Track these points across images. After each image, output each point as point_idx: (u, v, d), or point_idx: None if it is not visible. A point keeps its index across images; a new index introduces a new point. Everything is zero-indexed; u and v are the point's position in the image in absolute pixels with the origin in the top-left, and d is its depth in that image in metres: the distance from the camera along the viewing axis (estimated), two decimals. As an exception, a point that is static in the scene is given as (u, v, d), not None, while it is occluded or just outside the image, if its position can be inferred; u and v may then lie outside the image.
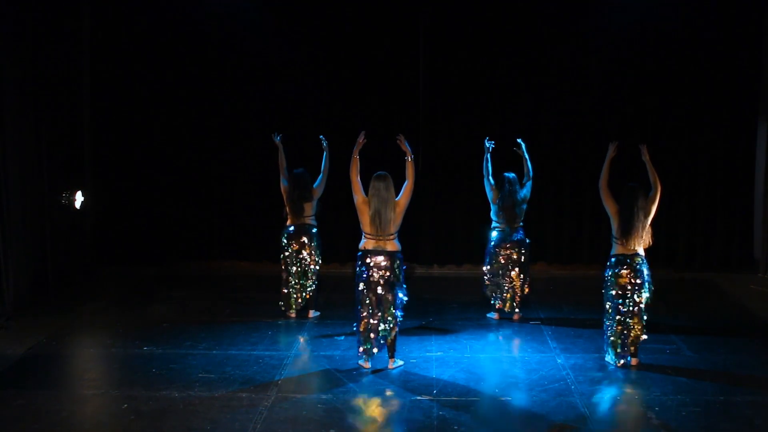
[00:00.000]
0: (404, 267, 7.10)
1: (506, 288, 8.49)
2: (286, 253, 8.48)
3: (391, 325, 6.99)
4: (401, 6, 10.75)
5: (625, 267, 7.01)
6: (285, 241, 8.49)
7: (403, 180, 7.04)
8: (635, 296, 7.00)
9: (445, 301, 9.36)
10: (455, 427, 5.86)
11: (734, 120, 10.79)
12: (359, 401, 6.39)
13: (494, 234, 8.55)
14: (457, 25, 10.77)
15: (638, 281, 7.00)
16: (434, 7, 10.71)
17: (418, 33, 10.75)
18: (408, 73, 10.85)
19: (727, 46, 10.61)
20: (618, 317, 7.03)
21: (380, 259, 6.97)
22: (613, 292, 7.06)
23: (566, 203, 11.04)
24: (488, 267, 8.55)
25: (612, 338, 7.11)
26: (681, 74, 10.72)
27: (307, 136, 11.05)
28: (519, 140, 8.65)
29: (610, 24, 10.55)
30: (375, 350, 7.04)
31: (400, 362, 7.19)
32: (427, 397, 6.41)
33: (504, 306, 8.55)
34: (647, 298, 7.04)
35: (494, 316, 8.67)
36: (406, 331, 8.10)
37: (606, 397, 6.49)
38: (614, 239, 7.12)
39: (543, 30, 10.69)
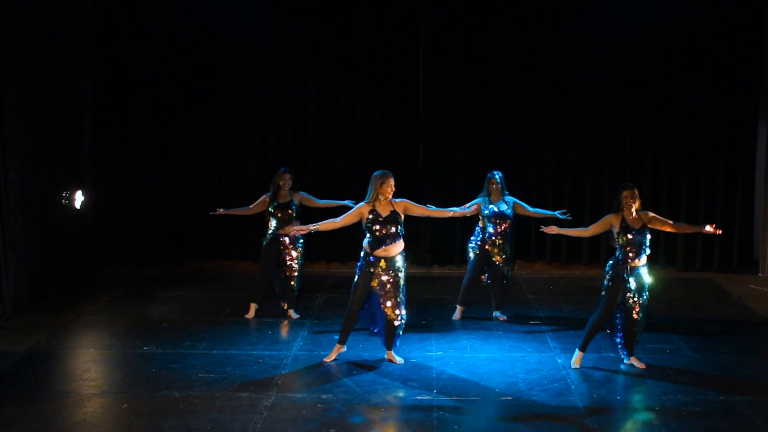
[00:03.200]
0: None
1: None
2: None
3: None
4: (401, 5, 10.74)
5: None
6: None
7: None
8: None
9: (445, 301, 9.35)
10: (455, 427, 5.86)
11: (734, 120, 10.79)
12: (359, 401, 6.39)
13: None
14: (457, 25, 10.79)
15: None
16: (434, 6, 10.71)
17: (418, 33, 10.74)
18: (408, 73, 10.84)
19: (728, 46, 10.61)
20: None
21: None
22: None
23: (566, 203, 11.00)
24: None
25: None
26: (681, 74, 10.73)
27: (308, 137, 11.08)
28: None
29: (610, 23, 10.55)
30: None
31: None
32: (427, 397, 6.42)
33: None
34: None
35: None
36: (406, 330, 8.09)
37: (606, 397, 6.49)
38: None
39: (543, 26, 10.70)
